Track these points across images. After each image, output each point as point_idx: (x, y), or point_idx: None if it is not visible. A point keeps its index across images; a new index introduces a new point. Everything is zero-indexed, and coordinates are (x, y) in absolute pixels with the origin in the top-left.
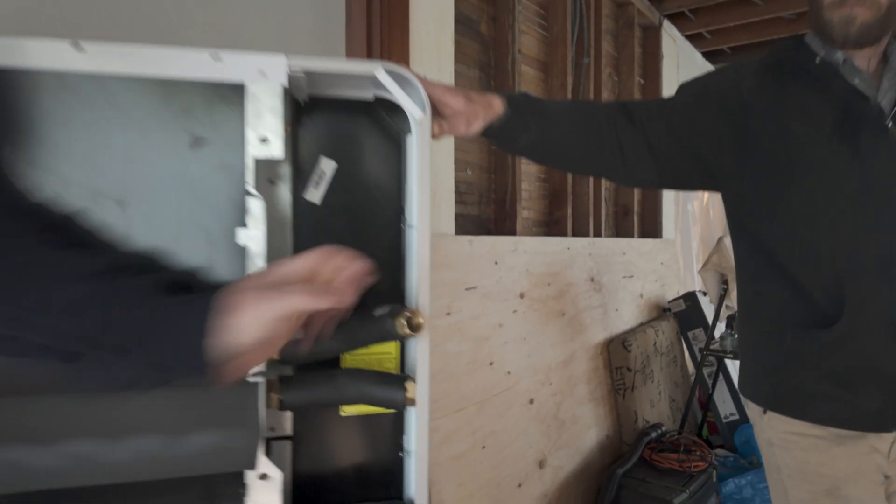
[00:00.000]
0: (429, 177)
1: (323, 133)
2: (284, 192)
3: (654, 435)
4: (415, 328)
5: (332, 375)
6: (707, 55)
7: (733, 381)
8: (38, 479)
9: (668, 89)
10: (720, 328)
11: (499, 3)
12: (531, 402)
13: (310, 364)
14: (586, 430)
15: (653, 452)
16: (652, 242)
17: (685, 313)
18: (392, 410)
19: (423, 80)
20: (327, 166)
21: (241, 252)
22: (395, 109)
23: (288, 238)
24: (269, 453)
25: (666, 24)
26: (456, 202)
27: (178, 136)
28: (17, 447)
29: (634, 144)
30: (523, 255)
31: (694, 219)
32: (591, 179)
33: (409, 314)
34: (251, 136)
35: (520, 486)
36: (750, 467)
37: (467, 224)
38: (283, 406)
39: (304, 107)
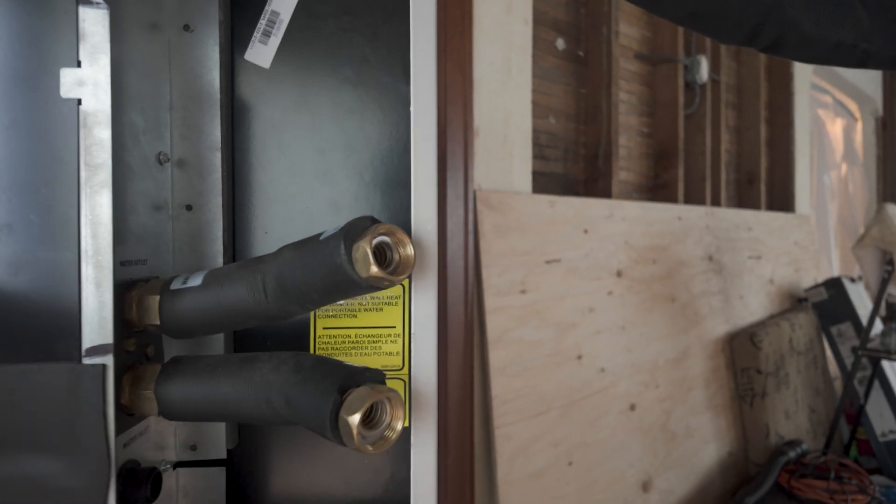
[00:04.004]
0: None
1: None
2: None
3: (791, 455)
4: (395, 267)
5: (224, 363)
6: None
7: (894, 389)
8: None
9: None
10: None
11: None
12: (632, 408)
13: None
14: (703, 445)
15: (791, 477)
16: (784, 217)
17: (827, 304)
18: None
19: None
20: (284, 4)
21: (70, 114)
22: None
23: (213, 130)
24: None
25: None
26: (534, 157)
27: None
28: None
29: None
30: (621, 222)
31: (831, 193)
32: (709, 133)
33: (381, 236)
34: None
35: None
36: None
37: (549, 184)
38: (163, 410)
39: None
